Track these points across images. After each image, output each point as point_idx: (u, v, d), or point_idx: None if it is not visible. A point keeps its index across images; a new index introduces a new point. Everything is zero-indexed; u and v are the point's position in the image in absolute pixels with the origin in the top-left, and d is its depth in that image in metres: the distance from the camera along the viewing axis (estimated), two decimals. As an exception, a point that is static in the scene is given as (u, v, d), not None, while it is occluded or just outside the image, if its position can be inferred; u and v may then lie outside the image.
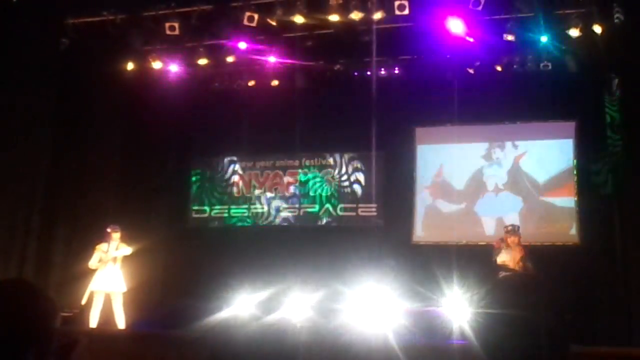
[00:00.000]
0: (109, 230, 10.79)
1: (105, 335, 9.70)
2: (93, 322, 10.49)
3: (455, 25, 10.90)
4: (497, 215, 12.59)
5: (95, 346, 8.00)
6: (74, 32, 12.05)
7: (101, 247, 10.73)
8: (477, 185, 12.90)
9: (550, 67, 11.94)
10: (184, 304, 11.84)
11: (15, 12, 10.96)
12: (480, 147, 13.00)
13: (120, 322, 10.65)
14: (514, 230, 10.22)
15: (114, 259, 10.70)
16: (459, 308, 9.70)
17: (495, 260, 9.92)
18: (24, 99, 11.45)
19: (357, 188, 13.70)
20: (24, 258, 11.42)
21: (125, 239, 10.91)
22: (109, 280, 10.63)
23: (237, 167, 14.42)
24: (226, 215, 14.32)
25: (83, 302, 10.58)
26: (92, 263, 10.66)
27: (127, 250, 10.85)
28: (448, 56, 12.07)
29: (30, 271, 11.35)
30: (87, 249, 11.06)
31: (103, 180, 13.04)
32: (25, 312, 1.93)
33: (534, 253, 10.01)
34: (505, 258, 9.90)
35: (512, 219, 12.13)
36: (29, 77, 11.43)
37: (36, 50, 11.44)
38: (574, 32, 10.90)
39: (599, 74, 11.53)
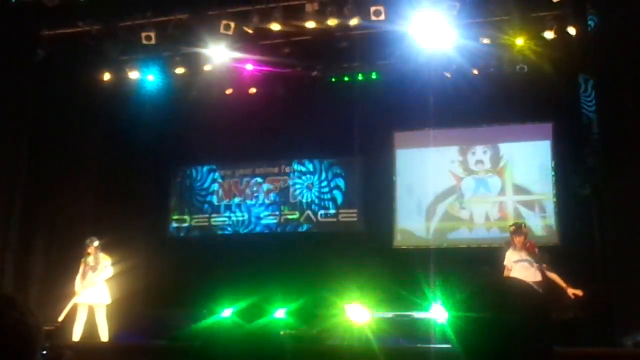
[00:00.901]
0: (87, 242, 10.71)
1: (89, 348, 9.62)
2: (76, 335, 10.39)
3: (431, 30, 10.94)
4: (477, 218, 12.65)
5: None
6: (50, 43, 11.97)
7: (84, 261, 10.65)
8: (456, 190, 12.95)
9: (526, 70, 12.02)
10: (166, 314, 11.79)
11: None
12: (459, 150, 13.06)
13: (104, 335, 10.56)
14: (518, 229, 9.77)
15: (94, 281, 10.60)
16: (441, 312, 9.71)
17: (504, 264, 9.56)
18: (-1, 111, 11.36)
19: (338, 194, 13.70)
20: (2, 271, 11.29)
21: (105, 249, 10.82)
22: (92, 293, 10.55)
23: (217, 175, 14.38)
24: (207, 224, 14.27)
25: (60, 318, 10.46)
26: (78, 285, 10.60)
27: (109, 271, 10.72)
28: (425, 60, 12.11)
29: (9, 284, 11.22)
30: (66, 261, 10.97)
31: (81, 191, 12.96)
32: (7, 327, 1.91)
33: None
34: (515, 257, 9.57)
35: (493, 221, 12.20)
36: (4, 88, 11.32)
37: (11, 62, 11.33)
38: (549, 34, 10.99)
39: (574, 75, 11.62)
